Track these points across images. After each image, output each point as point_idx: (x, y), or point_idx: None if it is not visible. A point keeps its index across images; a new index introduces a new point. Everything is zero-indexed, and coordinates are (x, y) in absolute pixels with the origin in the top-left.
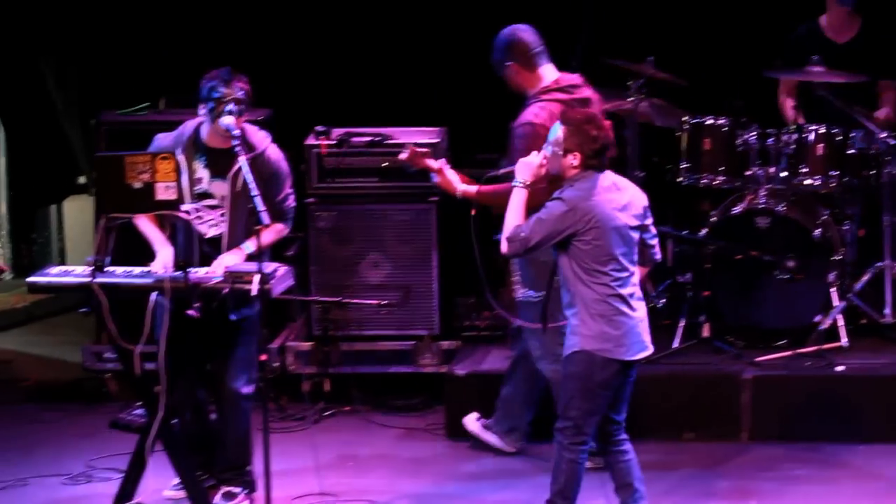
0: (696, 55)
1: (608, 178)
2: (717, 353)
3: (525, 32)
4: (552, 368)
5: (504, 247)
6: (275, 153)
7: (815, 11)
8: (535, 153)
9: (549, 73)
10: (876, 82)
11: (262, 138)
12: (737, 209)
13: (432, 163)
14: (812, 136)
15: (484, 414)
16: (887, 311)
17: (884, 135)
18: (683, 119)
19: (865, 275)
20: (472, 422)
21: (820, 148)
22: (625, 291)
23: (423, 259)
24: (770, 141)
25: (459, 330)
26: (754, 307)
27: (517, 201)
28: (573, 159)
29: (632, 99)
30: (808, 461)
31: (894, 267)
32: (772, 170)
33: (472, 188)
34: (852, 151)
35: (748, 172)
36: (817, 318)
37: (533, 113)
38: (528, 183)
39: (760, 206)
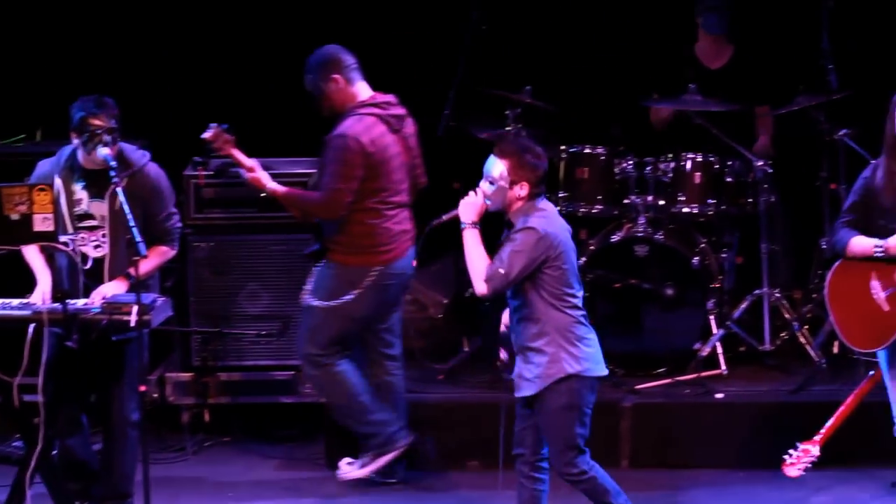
0: (573, 84)
1: (547, 202)
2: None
3: (342, 51)
4: (315, 374)
5: (483, 288)
6: (154, 170)
7: (690, 38)
8: (472, 193)
9: (364, 89)
10: (752, 108)
11: (140, 156)
12: (615, 238)
13: (242, 157)
14: (689, 165)
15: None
16: (765, 338)
17: (760, 163)
18: (561, 148)
19: (744, 302)
20: (345, 467)
21: (697, 176)
22: (584, 311)
23: (302, 289)
24: (647, 169)
25: None
26: (633, 335)
27: (473, 242)
28: (521, 190)
29: (509, 128)
30: (688, 488)
31: (772, 294)
32: (649, 198)
33: (282, 188)
34: (729, 179)
35: (626, 201)
36: (696, 346)
37: (347, 125)
38: (475, 222)
39: (639, 235)
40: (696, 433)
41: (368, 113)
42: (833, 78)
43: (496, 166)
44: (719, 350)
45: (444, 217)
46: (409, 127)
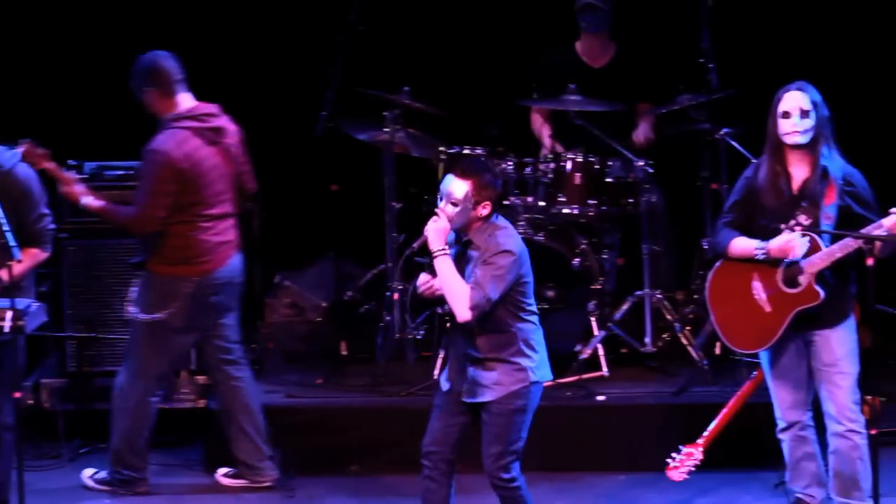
0: (452, 85)
1: (502, 217)
2: None
3: (166, 59)
4: (126, 385)
5: (468, 315)
6: (24, 171)
7: (570, 37)
8: (437, 217)
9: (185, 100)
10: (634, 106)
11: (9, 157)
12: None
13: (58, 170)
14: (569, 165)
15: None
16: (647, 339)
17: (641, 163)
18: (440, 149)
19: (625, 304)
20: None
21: (577, 177)
22: (538, 314)
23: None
24: (527, 170)
25: None
26: None
27: (449, 268)
28: (483, 210)
29: (387, 129)
30: (570, 491)
31: (653, 295)
32: (530, 199)
33: (97, 203)
34: (610, 180)
35: (506, 202)
36: (577, 348)
37: (160, 140)
38: (443, 248)
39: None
40: (578, 436)
41: (184, 126)
42: (714, 77)
43: (458, 187)
44: (601, 352)
45: (415, 245)
46: (231, 137)
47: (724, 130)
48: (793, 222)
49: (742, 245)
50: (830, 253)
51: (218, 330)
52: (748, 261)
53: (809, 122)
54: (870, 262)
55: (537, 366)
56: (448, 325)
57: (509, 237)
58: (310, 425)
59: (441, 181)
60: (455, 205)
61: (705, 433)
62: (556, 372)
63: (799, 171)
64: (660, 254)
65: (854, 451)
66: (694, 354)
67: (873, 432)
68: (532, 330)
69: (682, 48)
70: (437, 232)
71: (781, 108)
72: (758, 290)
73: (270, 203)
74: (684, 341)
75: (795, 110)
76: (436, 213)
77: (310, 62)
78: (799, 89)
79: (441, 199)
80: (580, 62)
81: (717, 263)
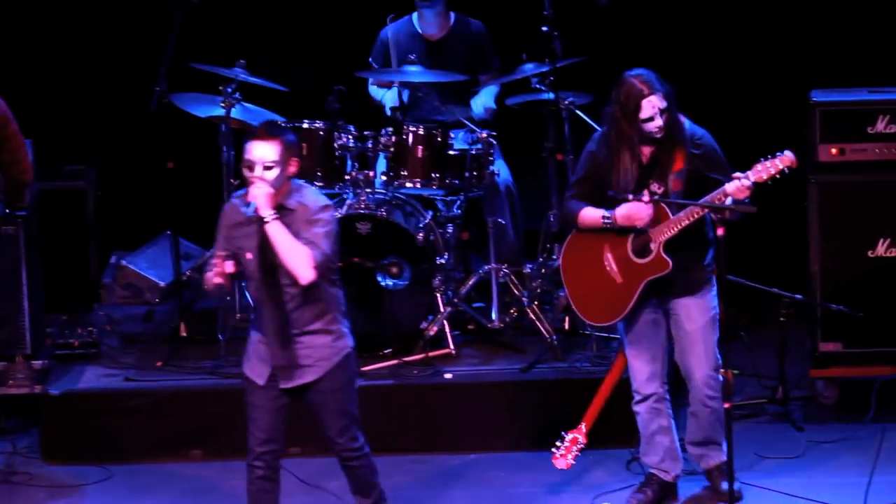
0: (291, 58)
1: None
2: None
3: None
4: None
5: (313, 275)
6: None
7: (409, 8)
8: (259, 183)
9: None
10: (476, 78)
11: None
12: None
13: None
14: (411, 138)
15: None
16: (494, 315)
17: (484, 134)
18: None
19: (471, 279)
20: None
21: (420, 150)
22: None
23: (11, 276)
24: (369, 143)
25: (52, 348)
26: (358, 315)
27: (283, 232)
28: (293, 167)
29: (223, 104)
30: (418, 472)
31: (500, 270)
32: (371, 173)
33: None
34: (453, 152)
35: (347, 177)
36: (423, 325)
37: None
38: (274, 213)
39: (361, 211)
40: (426, 415)
41: None
42: (557, 45)
43: (269, 150)
44: (447, 329)
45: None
46: None
47: (568, 100)
48: (644, 192)
49: (590, 215)
50: (677, 221)
51: None
52: (600, 232)
53: (668, 115)
54: (720, 231)
55: (351, 331)
56: (255, 308)
57: (319, 193)
58: (149, 409)
59: (245, 151)
60: (270, 168)
61: (584, 416)
62: (402, 350)
63: (646, 143)
64: (505, 227)
65: (713, 414)
66: (542, 330)
67: (727, 406)
68: (342, 295)
69: (524, 17)
70: (265, 198)
71: (643, 115)
72: (609, 260)
73: (105, 181)
74: (532, 316)
75: (657, 114)
76: (251, 182)
77: (144, 36)
78: (653, 92)
79: (252, 169)
80: (418, 35)
81: (569, 236)
